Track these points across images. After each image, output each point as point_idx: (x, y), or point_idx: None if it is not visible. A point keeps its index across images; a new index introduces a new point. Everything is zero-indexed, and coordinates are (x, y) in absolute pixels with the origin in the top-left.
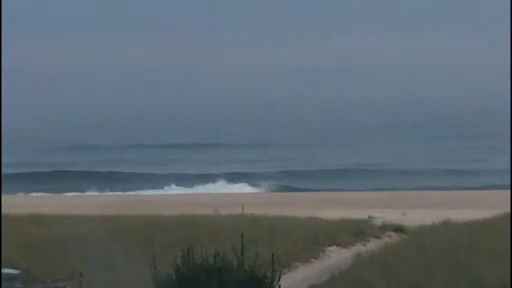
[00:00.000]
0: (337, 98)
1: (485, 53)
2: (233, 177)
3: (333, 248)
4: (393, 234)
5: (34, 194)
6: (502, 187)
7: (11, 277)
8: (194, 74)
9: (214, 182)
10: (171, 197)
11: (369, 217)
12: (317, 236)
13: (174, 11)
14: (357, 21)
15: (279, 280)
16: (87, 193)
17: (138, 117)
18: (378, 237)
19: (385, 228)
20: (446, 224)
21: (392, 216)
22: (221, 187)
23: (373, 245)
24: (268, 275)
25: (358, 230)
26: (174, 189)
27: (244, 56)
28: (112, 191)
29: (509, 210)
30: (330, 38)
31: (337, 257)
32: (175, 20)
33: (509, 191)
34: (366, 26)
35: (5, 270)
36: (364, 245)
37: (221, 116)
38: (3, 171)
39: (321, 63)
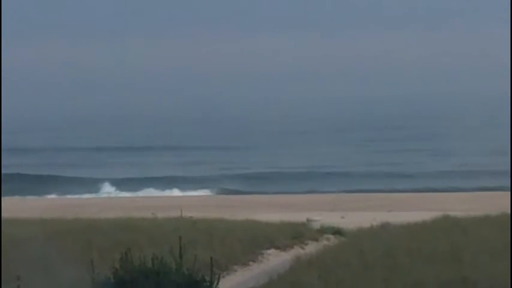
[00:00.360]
0: (274, 100)
1: (416, 53)
2: (170, 180)
3: (272, 251)
4: (332, 237)
5: None
6: (440, 190)
7: None
8: (130, 76)
9: (150, 184)
10: (107, 200)
11: (308, 220)
12: (256, 239)
13: (104, 13)
14: (287, 21)
15: (217, 283)
16: (23, 196)
17: (74, 119)
18: (316, 240)
19: (323, 231)
20: (385, 227)
21: (331, 219)
22: (158, 190)
23: (311, 248)
24: (207, 278)
25: (296, 233)
26: (110, 193)
27: (179, 58)
28: (47, 193)
29: (446, 212)
30: (267, 38)
31: (275, 260)
32: (111, 23)
33: (440, 194)
34: (298, 25)
35: None
36: (302, 248)
37: (156, 118)
38: None
39: (256, 64)
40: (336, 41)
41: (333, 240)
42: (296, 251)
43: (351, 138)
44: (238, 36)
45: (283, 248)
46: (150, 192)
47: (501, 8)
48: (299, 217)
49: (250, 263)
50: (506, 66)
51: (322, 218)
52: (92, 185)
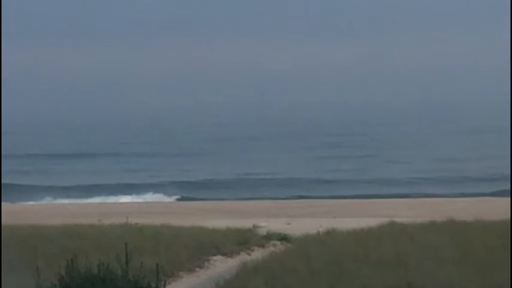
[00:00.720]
0: (220, 105)
1: (366, 61)
2: (116, 187)
3: (218, 257)
4: (278, 243)
5: None
6: (387, 196)
7: None
8: (78, 82)
9: (96, 191)
10: (53, 207)
11: (254, 226)
12: (202, 246)
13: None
14: (234, 29)
15: None
16: None
17: (17, 126)
18: (262, 246)
19: (269, 237)
20: (331, 233)
21: (277, 225)
22: (105, 197)
23: (258, 254)
24: (153, 284)
25: (243, 239)
26: (56, 199)
27: (126, 64)
28: None
29: (392, 219)
30: (214, 45)
31: (222, 266)
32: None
33: (386, 199)
34: (245, 32)
35: None
36: (249, 254)
37: (106, 125)
38: None
39: (203, 70)
40: (282, 47)
41: (279, 246)
42: (242, 257)
43: (297, 144)
44: (186, 43)
45: (229, 254)
46: (96, 199)
47: (445, 16)
48: (245, 223)
49: (197, 269)
50: (454, 75)
51: (268, 225)
52: (38, 192)
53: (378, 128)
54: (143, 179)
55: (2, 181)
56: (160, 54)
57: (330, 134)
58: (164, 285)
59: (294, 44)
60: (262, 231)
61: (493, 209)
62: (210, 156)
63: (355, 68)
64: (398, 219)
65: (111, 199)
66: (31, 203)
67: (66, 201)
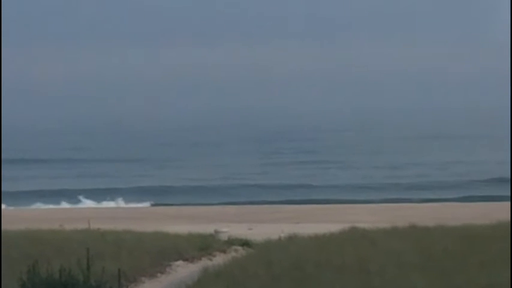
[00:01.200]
0: (180, 111)
1: (320, 66)
2: (79, 192)
3: (180, 262)
4: (240, 248)
5: None
6: (348, 201)
7: None
8: (36, 86)
9: (58, 197)
10: (15, 212)
11: (216, 231)
12: (164, 251)
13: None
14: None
15: None
16: None
17: None
18: (224, 251)
19: (231, 242)
20: (293, 238)
21: (239, 230)
22: (66, 202)
23: (219, 259)
24: None
25: (204, 245)
26: (17, 205)
27: (88, 69)
28: None
29: (354, 224)
30: (177, 51)
31: (183, 271)
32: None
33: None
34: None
35: None
36: (210, 259)
37: (66, 130)
38: None
39: (166, 76)
40: (236, 50)
41: (241, 251)
42: (204, 263)
43: (258, 150)
44: (143, 46)
45: (191, 259)
46: (58, 204)
47: (399, 22)
48: (207, 229)
49: (158, 274)
50: (403, 82)
51: (230, 230)
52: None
53: (329, 134)
54: (104, 184)
55: None
56: (126, 59)
57: (294, 140)
58: None
59: (247, 48)
60: (224, 237)
61: (454, 214)
62: (171, 161)
63: (306, 74)
64: (360, 225)
65: (74, 204)
66: None
67: (29, 206)
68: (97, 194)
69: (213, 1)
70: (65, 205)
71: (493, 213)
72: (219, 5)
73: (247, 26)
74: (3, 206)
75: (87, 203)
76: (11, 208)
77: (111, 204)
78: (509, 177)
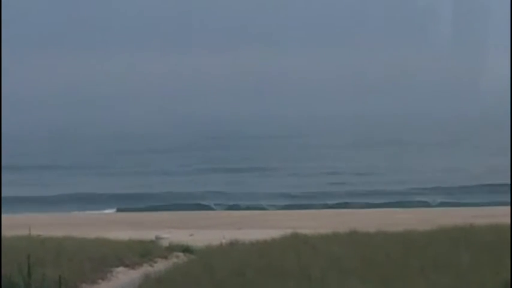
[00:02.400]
0: (120, 119)
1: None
2: (19, 200)
3: (121, 269)
4: (181, 254)
5: None
6: (289, 207)
7: None
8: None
9: None
10: None
11: (157, 238)
12: (105, 257)
13: None
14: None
15: None
16: None
17: None
18: (165, 257)
19: (172, 248)
20: (234, 244)
21: (180, 236)
22: (6, 209)
23: (160, 265)
24: None
25: (145, 251)
26: None
27: (27, 76)
28: None
29: (295, 230)
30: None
31: (124, 278)
32: None
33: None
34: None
35: None
36: (151, 265)
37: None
38: None
39: (104, 84)
40: (178, 59)
41: (182, 257)
42: (145, 269)
43: (192, 157)
44: (93, 56)
45: (132, 265)
46: None
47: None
48: (148, 235)
49: (99, 281)
50: (343, 89)
51: (171, 236)
52: None
53: (268, 141)
54: (46, 192)
55: None
56: (71, 66)
57: (223, 147)
58: None
59: (176, 55)
60: (165, 243)
61: (394, 220)
62: (108, 168)
63: (244, 79)
64: (301, 231)
65: (14, 211)
66: None
67: None
68: (37, 202)
69: (155, 9)
70: (4, 212)
71: (433, 218)
72: (160, 13)
73: (175, 36)
74: None
75: (28, 210)
76: None
77: (51, 211)
78: (445, 185)
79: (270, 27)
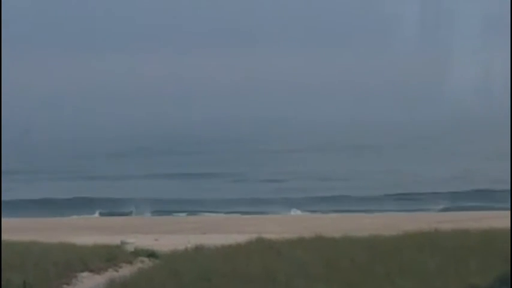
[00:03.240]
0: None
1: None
2: None
3: (86, 273)
4: (146, 259)
5: None
6: (252, 213)
7: None
8: None
9: None
10: None
11: (122, 242)
12: (70, 262)
13: None
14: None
15: None
16: None
17: None
18: (130, 262)
19: (137, 253)
20: (199, 249)
21: (145, 241)
22: None
23: (126, 270)
24: None
25: (110, 256)
26: None
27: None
28: None
29: (261, 235)
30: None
31: (89, 283)
32: None
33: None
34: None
35: None
36: (117, 270)
37: None
38: None
39: (77, 85)
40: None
41: (147, 262)
42: (110, 274)
43: (159, 162)
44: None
45: (97, 270)
46: None
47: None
48: (113, 240)
49: (64, 286)
50: (311, 93)
51: (136, 241)
52: None
53: (225, 146)
54: (11, 195)
55: None
56: (48, 67)
57: (182, 153)
58: None
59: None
60: (130, 248)
61: (360, 225)
62: (70, 173)
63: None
64: (266, 236)
65: None
66: None
67: None
68: (3, 207)
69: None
70: None
71: (398, 224)
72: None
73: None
74: None
75: None
76: None
77: (15, 215)
78: (408, 191)
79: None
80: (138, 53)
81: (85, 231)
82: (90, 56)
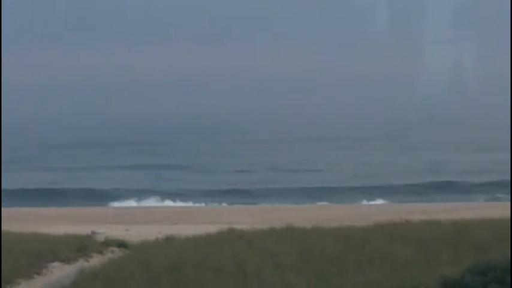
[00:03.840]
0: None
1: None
2: None
3: (56, 263)
4: (116, 249)
5: None
6: (223, 203)
7: None
8: None
9: None
10: None
11: (92, 233)
12: (40, 252)
13: None
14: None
15: None
16: None
17: None
18: (101, 252)
19: (108, 243)
20: (170, 240)
21: (116, 231)
22: None
23: (96, 260)
24: None
25: (81, 246)
26: None
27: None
28: None
29: (232, 225)
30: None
31: (60, 272)
32: None
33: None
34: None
35: None
36: (87, 260)
37: None
38: None
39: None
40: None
41: (117, 253)
42: (81, 264)
43: (131, 153)
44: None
45: (67, 260)
46: None
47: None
48: (84, 230)
49: (35, 275)
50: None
51: (106, 231)
52: None
53: (199, 136)
54: None
55: None
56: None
57: (144, 143)
58: None
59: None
60: (101, 238)
61: (330, 216)
62: (42, 163)
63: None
64: (237, 226)
65: None
66: None
67: None
68: None
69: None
70: None
71: (369, 215)
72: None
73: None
74: None
75: None
76: None
77: None
78: (381, 183)
79: (202, 23)
80: (117, 46)
81: (56, 222)
82: (63, 50)
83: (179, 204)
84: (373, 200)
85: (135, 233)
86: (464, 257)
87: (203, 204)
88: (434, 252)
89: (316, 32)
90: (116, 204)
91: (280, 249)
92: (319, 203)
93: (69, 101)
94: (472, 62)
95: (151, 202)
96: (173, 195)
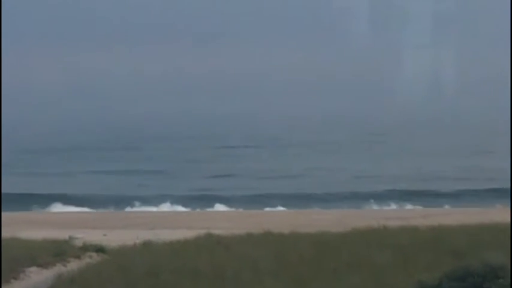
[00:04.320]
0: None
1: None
2: None
3: (34, 268)
4: (94, 254)
5: None
6: (201, 208)
7: None
8: None
9: None
10: None
11: (70, 237)
12: (18, 257)
13: None
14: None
15: None
16: None
17: None
18: (79, 257)
19: (86, 248)
20: (147, 244)
21: (94, 236)
22: None
23: (74, 265)
24: None
25: (59, 251)
26: None
27: None
28: None
29: (210, 230)
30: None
31: (37, 277)
32: None
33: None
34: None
35: None
36: (65, 265)
37: None
38: None
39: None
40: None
41: (95, 257)
42: (58, 269)
43: (109, 158)
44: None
45: (45, 265)
46: None
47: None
48: (62, 235)
49: (12, 280)
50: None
51: (84, 236)
52: None
53: (178, 142)
54: None
55: None
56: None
57: (134, 148)
58: None
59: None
60: (79, 243)
61: (308, 221)
62: (20, 168)
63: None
64: (215, 231)
65: None
66: None
67: None
68: None
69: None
70: None
71: (346, 220)
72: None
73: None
74: None
75: None
76: None
77: None
78: (358, 189)
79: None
80: (95, 49)
81: (34, 226)
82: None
83: (157, 209)
84: (350, 206)
85: (113, 238)
86: (441, 263)
87: (181, 209)
88: (411, 258)
89: (292, 35)
90: (93, 209)
91: (258, 254)
92: (297, 209)
93: (61, 104)
94: (453, 67)
95: (130, 207)
96: (151, 200)
